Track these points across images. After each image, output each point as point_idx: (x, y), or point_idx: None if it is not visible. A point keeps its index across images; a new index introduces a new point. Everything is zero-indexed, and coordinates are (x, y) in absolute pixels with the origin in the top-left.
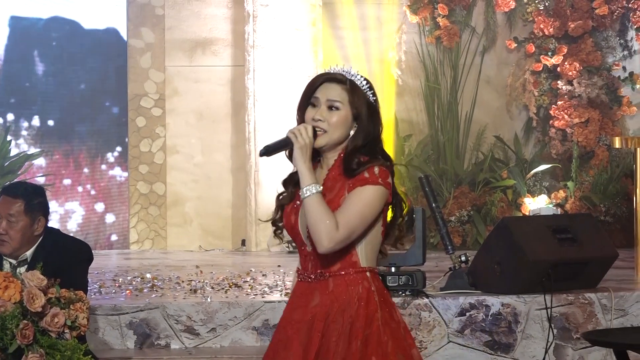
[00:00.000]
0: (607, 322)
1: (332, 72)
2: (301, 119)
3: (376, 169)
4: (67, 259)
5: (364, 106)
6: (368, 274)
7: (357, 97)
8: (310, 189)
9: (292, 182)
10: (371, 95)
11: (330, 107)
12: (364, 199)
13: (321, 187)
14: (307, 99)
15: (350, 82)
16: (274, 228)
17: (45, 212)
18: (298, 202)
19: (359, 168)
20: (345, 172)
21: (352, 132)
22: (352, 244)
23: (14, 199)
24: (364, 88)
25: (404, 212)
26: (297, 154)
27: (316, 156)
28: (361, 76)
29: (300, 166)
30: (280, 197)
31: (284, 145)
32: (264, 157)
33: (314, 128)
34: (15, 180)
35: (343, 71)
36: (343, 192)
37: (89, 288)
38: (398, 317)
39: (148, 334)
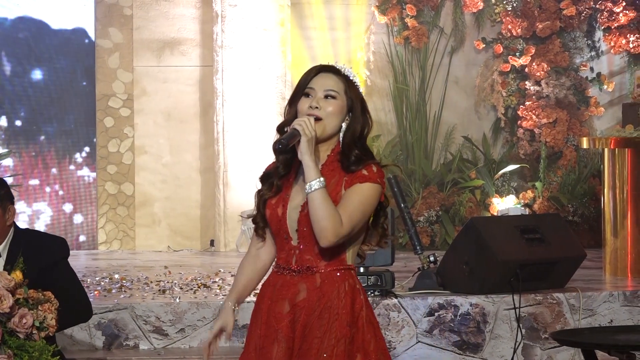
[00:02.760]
0: (575, 322)
1: (327, 64)
2: (292, 112)
3: (374, 167)
4: (48, 258)
5: (358, 99)
6: (353, 271)
7: (351, 90)
8: (316, 184)
9: (276, 175)
10: (361, 92)
11: (326, 97)
12: (365, 195)
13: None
14: (301, 91)
15: (344, 76)
16: (254, 226)
17: (12, 200)
18: (286, 195)
19: (359, 164)
20: (344, 166)
21: (344, 125)
22: (345, 241)
23: None
24: (356, 83)
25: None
26: (304, 147)
27: (292, 156)
28: (354, 73)
29: (306, 159)
30: (261, 192)
31: (292, 137)
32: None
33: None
34: None
35: (337, 65)
36: (339, 188)
37: None
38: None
39: (116, 335)
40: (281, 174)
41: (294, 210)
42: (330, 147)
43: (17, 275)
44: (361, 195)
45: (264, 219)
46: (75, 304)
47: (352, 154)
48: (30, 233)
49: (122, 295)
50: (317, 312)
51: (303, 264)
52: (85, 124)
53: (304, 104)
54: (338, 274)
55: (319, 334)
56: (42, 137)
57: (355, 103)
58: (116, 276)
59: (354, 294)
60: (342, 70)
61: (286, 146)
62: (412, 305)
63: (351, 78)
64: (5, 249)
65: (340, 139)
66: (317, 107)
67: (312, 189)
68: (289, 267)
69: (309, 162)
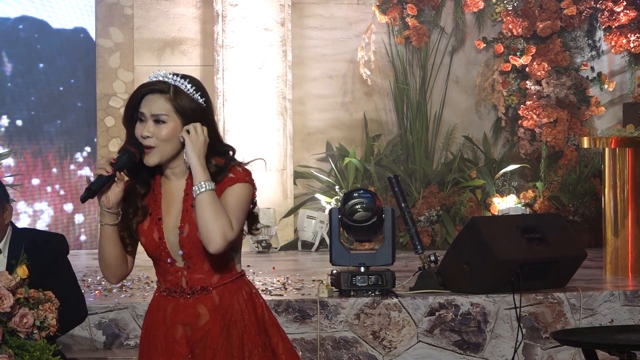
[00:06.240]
0: (576, 322)
1: (152, 80)
2: (129, 134)
3: (239, 168)
4: (48, 255)
5: (192, 112)
6: (244, 277)
7: (183, 104)
8: (206, 184)
9: (138, 197)
10: (199, 97)
11: (156, 122)
12: (239, 196)
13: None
14: (130, 113)
15: (173, 88)
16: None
17: (8, 198)
18: (159, 218)
19: (221, 172)
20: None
21: (182, 137)
22: (230, 248)
23: None
24: (189, 91)
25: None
26: (189, 149)
27: (149, 173)
28: (185, 79)
29: (194, 162)
30: (132, 217)
31: (102, 183)
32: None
33: (142, 145)
34: None
35: (165, 77)
36: None
37: None
38: None
39: (117, 334)
40: (142, 193)
41: (171, 233)
42: (184, 161)
43: (24, 270)
44: (236, 197)
45: (132, 238)
46: (70, 305)
47: (210, 167)
48: (29, 231)
49: (122, 295)
50: (224, 332)
51: (195, 285)
52: (86, 124)
53: (138, 130)
54: (232, 285)
55: (231, 352)
56: (43, 137)
57: (190, 117)
58: None
59: (253, 299)
60: (169, 82)
61: (95, 193)
62: (413, 305)
63: (182, 88)
64: (5, 247)
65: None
66: (148, 136)
67: (201, 190)
68: (180, 290)
69: (196, 165)
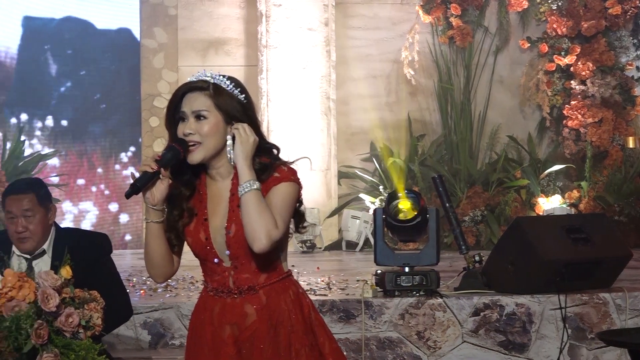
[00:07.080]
0: (622, 322)
1: (192, 80)
2: (171, 136)
3: (284, 167)
4: (92, 254)
5: (233, 107)
6: (291, 277)
7: (223, 100)
8: (252, 184)
9: (183, 199)
10: (239, 94)
11: (197, 117)
12: (284, 195)
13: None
14: (172, 114)
15: (213, 86)
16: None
17: (51, 199)
18: (205, 219)
19: (267, 172)
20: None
21: (229, 137)
22: (277, 247)
23: (23, 195)
24: (229, 88)
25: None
26: (238, 150)
27: (193, 171)
28: (224, 76)
29: (241, 161)
30: (177, 218)
31: (147, 180)
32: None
33: (186, 142)
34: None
35: (204, 76)
36: None
37: None
38: None
39: (162, 334)
40: (187, 195)
41: (218, 233)
42: (227, 159)
43: (67, 271)
44: (282, 196)
45: (179, 239)
46: (115, 303)
47: (254, 165)
48: (72, 231)
49: (167, 295)
50: (271, 331)
51: (242, 284)
52: (131, 124)
53: (180, 129)
54: (279, 285)
55: (278, 352)
56: (88, 137)
57: (231, 112)
58: None
59: (300, 299)
60: (208, 79)
61: (140, 189)
62: (458, 305)
63: (222, 85)
64: (50, 247)
65: (231, 152)
66: (191, 133)
67: (247, 190)
68: (227, 290)
69: (242, 165)
